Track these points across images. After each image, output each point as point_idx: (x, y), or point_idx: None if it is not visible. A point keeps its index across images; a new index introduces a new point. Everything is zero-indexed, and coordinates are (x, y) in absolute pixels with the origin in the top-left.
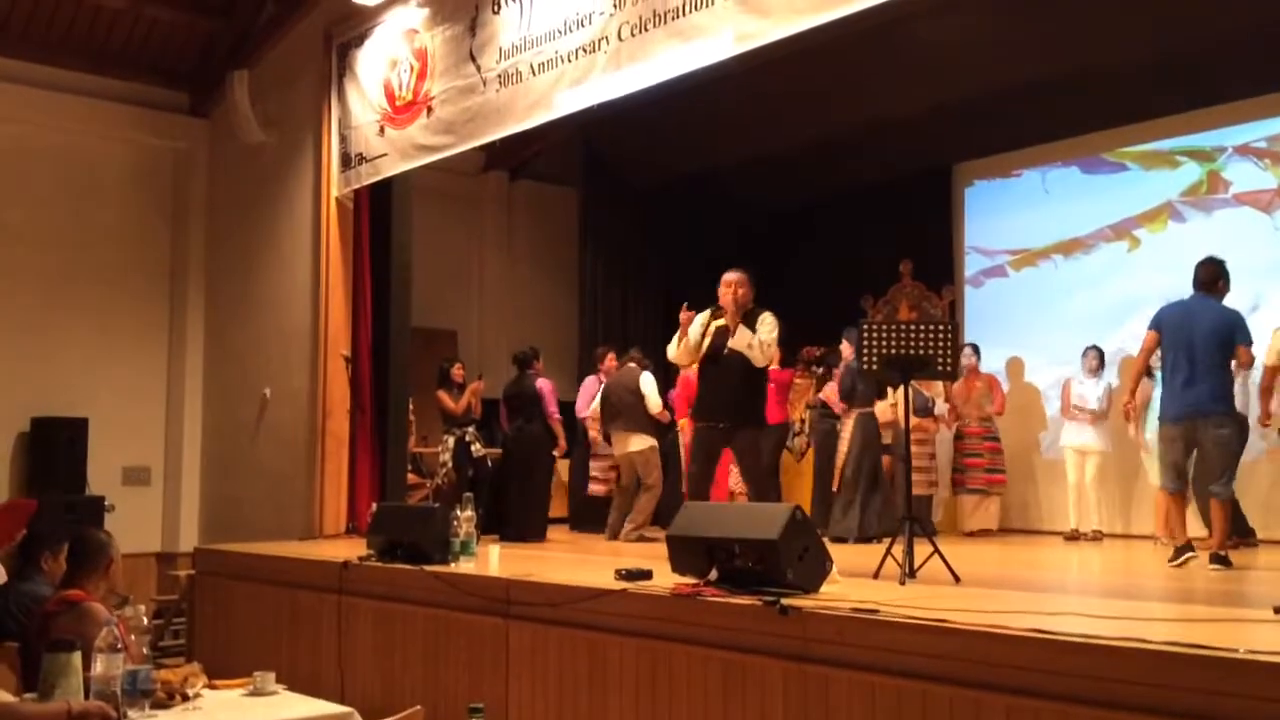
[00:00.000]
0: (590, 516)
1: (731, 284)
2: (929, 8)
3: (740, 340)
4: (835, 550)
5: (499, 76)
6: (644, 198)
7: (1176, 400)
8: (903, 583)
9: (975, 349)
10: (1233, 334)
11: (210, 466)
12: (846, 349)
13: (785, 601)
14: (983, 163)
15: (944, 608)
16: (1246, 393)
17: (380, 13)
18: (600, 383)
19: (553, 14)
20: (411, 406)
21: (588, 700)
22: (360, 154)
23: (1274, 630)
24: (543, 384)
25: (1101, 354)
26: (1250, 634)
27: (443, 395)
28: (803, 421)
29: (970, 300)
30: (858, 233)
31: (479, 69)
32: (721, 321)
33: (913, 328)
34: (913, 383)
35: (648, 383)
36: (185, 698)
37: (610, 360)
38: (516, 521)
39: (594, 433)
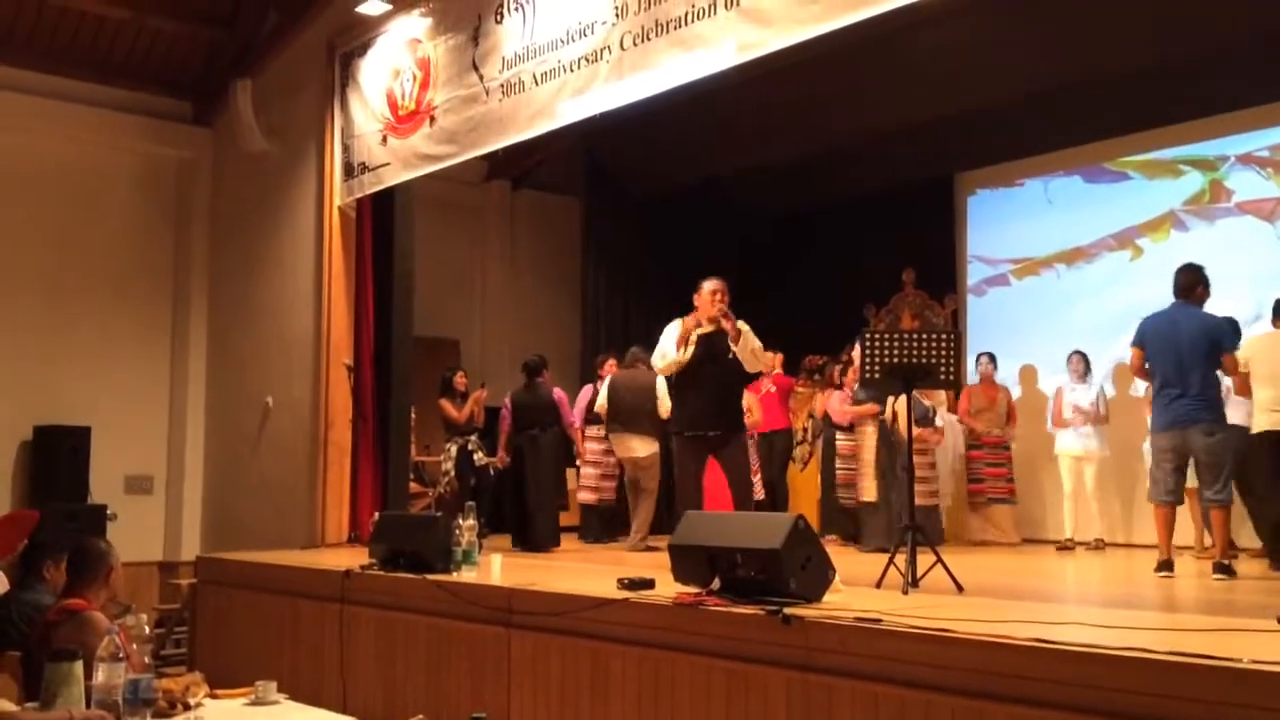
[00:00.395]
0: (598, 526)
1: (718, 291)
2: (930, 17)
3: (745, 346)
4: (837, 559)
5: (501, 86)
6: (646, 207)
7: (1166, 411)
8: (905, 592)
9: (992, 358)
10: (1219, 340)
11: (212, 475)
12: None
13: (788, 611)
14: (985, 171)
15: (947, 617)
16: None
17: (383, 22)
18: (596, 391)
19: (555, 23)
20: (414, 415)
21: (590, 710)
22: (363, 163)
23: (1277, 640)
24: (560, 393)
25: (1086, 357)
26: (1254, 644)
27: (445, 404)
28: (805, 430)
29: (973, 309)
30: (860, 242)
31: (482, 78)
32: (704, 330)
33: (915, 336)
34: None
35: (663, 385)
36: (187, 707)
37: (611, 366)
38: (538, 529)
39: (585, 443)
